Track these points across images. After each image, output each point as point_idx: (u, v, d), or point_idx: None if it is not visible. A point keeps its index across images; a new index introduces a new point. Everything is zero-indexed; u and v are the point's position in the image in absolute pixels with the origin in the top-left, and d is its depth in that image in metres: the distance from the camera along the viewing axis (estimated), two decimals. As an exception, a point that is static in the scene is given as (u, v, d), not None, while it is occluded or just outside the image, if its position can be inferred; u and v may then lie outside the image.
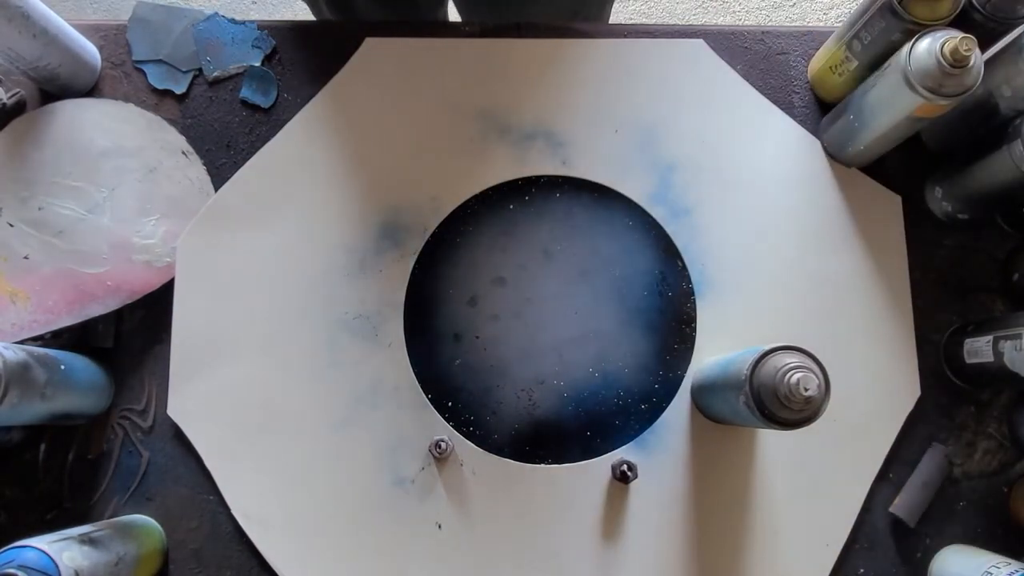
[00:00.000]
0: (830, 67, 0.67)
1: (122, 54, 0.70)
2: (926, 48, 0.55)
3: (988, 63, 0.59)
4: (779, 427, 0.51)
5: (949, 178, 0.66)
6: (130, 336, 0.66)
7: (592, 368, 0.65)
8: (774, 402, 0.50)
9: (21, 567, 0.47)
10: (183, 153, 0.68)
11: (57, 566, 0.48)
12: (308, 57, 0.70)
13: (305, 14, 0.91)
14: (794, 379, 0.49)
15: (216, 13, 0.71)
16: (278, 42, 0.70)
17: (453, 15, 0.99)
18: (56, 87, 0.68)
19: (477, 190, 0.68)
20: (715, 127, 0.69)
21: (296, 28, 0.72)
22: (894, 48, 0.58)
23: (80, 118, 0.67)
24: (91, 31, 0.70)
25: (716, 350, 0.65)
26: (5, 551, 0.49)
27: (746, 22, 1.62)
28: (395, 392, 0.64)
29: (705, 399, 0.62)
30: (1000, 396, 0.66)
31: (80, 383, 0.60)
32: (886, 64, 0.58)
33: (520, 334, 0.66)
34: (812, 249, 0.67)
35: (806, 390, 0.49)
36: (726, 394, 0.56)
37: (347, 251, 0.67)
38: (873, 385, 0.65)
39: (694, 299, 0.66)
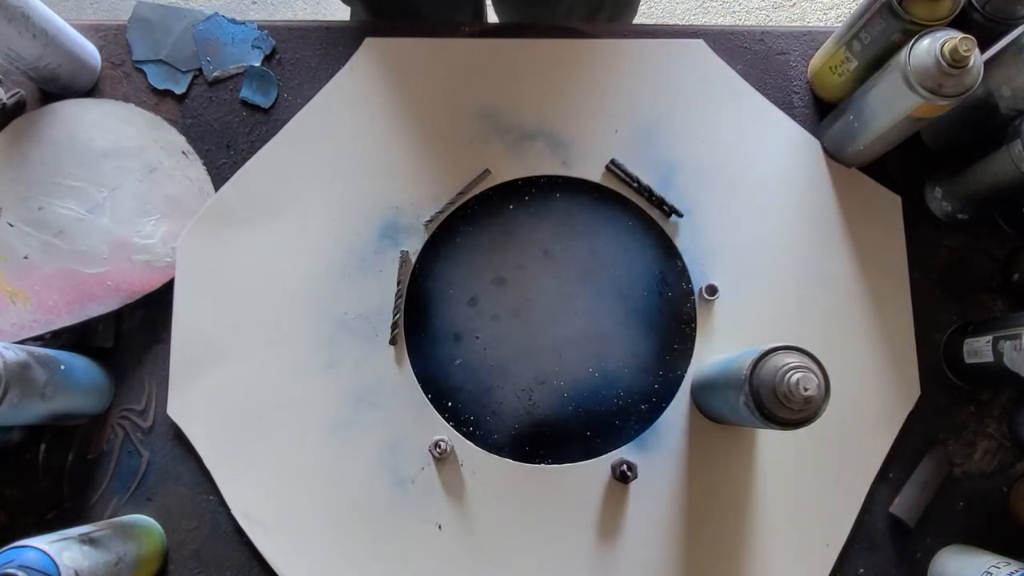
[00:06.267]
0: (830, 67, 0.67)
1: (122, 54, 0.70)
2: (926, 48, 0.55)
3: (988, 63, 0.59)
4: (779, 427, 0.51)
5: (949, 178, 0.66)
6: (130, 336, 0.66)
7: (592, 368, 0.65)
8: (774, 402, 0.50)
9: (21, 567, 0.47)
10: (183, 153, 0.68)
11: (57, 566, 0.48)
12: (308, 57, 0.70)
13: (305, 14, 0.92)
14: (794, 379, 0.49)
15: (216, 13, 0.71)
16: (278, 42, 0.70)
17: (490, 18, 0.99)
18: (56, 87, 0.68)
19: (477, 190, 0.68)
20: (715, 127, 0.69)
21: (296, 28, 0.71)
22: (894, 48, 0.58)
23: (80, 118, 0.67)
24: (91, 31, 0.70)
25: (716, 350, 0.65)
26: (5, 551, 0.48)
27: (746, 22, 1.62)
28: (395, 392, 0.64)
29: (705, 399, 0.62)
30: (1000, 396, 0.66)
31: (80, 383, 0.60)
32: (886, 64, 0.58)
33: (520, 334, 0.66)
34: (812, 249, 0.67)
35: (806, 390, 0.49)
36: (726, 394, 0.55)
37: (347, 251, 0.67)
38: (873, 385, 0.65)
39: (694, 299, 0.66)
